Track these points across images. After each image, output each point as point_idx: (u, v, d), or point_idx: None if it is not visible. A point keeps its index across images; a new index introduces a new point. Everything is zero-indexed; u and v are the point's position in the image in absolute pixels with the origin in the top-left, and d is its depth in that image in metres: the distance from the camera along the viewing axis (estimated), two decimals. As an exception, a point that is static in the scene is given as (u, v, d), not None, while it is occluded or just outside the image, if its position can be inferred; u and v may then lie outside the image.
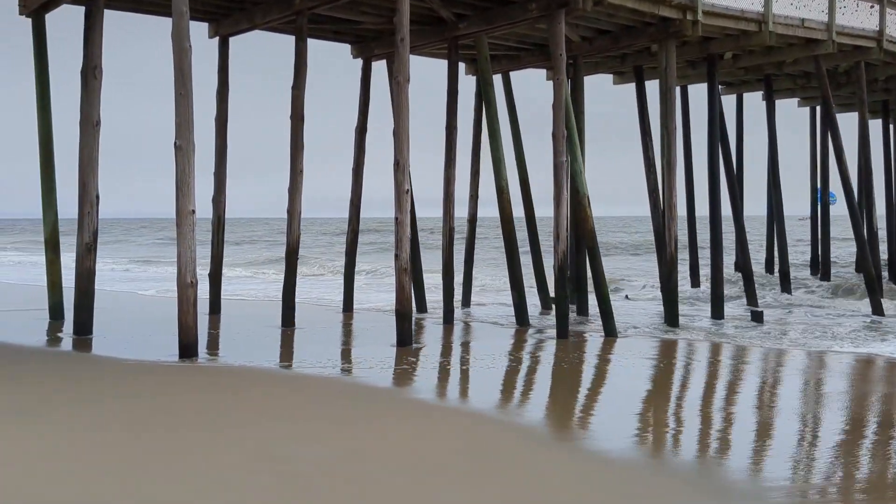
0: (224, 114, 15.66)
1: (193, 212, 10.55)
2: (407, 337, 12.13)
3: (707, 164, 18.01)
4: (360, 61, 17.15)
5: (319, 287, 22.84)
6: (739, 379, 10.44)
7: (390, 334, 12.39)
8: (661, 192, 16.10)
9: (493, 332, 14.40)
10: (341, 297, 17.08)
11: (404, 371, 10.30)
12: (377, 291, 21.43)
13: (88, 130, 12.01)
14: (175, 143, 10.44)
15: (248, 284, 24.02)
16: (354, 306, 17.04)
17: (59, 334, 12.77)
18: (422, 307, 17.02)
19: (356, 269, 17.89)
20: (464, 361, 11.33)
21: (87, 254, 12.15)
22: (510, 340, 13.49)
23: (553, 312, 15.91)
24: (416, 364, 10.80)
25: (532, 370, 10.93)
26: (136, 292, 20.99)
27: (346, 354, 11.62)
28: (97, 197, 12.17)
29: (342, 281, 17.29)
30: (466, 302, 17.95)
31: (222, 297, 15.94)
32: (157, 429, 7.01)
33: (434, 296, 16.91)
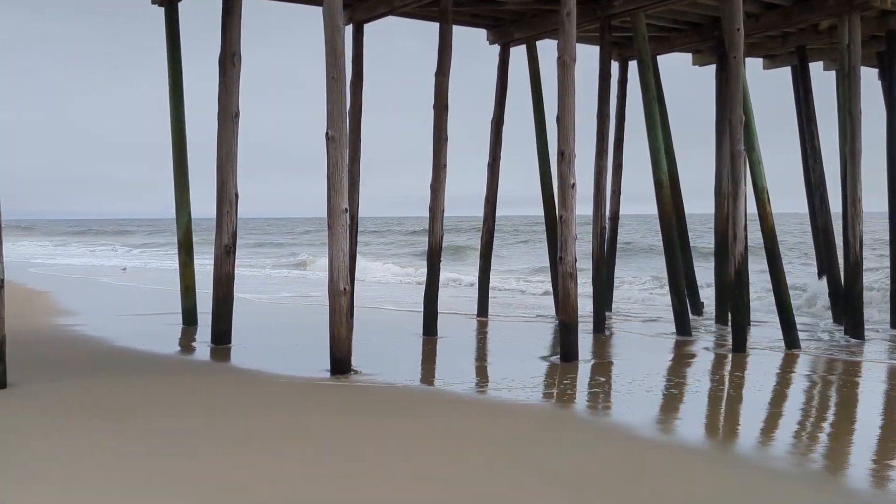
0: (359, 106, 14.41)
1: (346, 210, 9.26)
2: (573, 351, 10.56)
3: (887, 157, 15.66)
4: (496, 48, 15.68)
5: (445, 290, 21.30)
6: None
7: (542, 345, 10.88)
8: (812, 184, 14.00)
9: (655, 344, 12.64)
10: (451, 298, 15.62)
11: (594, 394, 8.71)
12: (499, 293, 19.94)
13: (227, 123, 10.90)
14: (327, 133, 9.17)
15: (382, 290, 22.89)
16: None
17: (194, 343, 11.74)
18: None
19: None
20: (650, 382, 9.64)
21: (225, 257, 11.06)
22: (682, 355, 11.72)
23: (702, 319, 14.27)
24: (604, 385, 9.20)
25: (736, 396, 9.11)
26: (269, 298, 20.09)
27: (510, 371, 10.08)
28: (236, 195, 11.07)
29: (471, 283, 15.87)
30: (607, 306, 16.24)
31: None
32: (337, 462, 5.67)
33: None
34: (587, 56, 14.38)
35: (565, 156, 10.68)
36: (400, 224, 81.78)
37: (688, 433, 7.29)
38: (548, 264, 16.49)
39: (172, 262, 32.07)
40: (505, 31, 15.21)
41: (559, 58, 10.78)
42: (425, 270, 13.37)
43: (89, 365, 9.43)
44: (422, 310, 12.77)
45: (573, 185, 10.70)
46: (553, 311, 16.05)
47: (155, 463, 5.74)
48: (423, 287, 13.03)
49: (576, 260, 10.71)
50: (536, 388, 9.04)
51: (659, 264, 31.22)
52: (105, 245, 56.38)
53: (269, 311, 16.37)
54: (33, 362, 9.11)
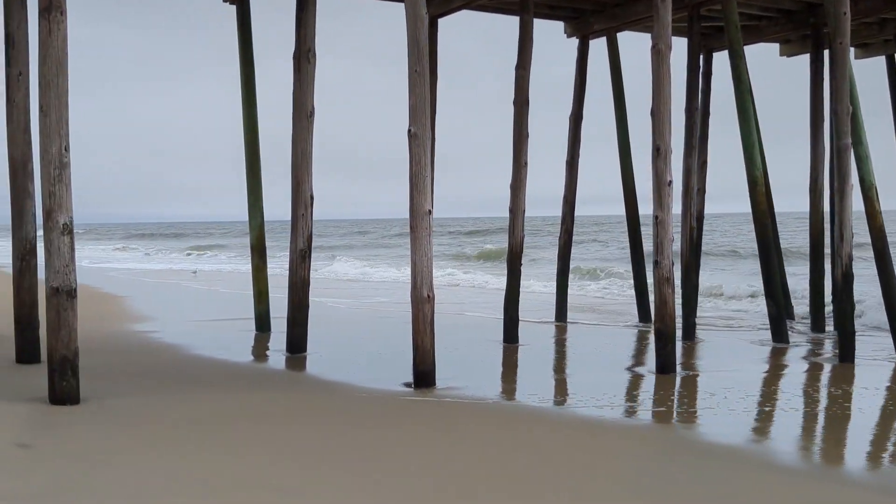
0: (433, 103, 13.79)
1: (430, 212, 8.63)
2: (670, 362, 9.73)
3: None
4: (574, 41, 14.88)
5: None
6: None
7: (629, 354, 10.04)
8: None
9: (753, 353, 11.67)
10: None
11: (705, 411, 7.88)
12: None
13: (302, 122, 10.39)
14: (409, 129, 8.55)
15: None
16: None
17: (269, 351, 11.29)
18: (645, 317, 14.56)
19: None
20: (766, 398, 8.75)
21: (301, 261, 10.54)
22: (784, 365, 10.76)
23: (793, 323, 13.25)
24: (711, 400, 8.35)
25: (869, 414, 8.17)
26: (339, 304, 19.67)
27: (602, 384, 9.29)
28: (311, 197, 10.55)
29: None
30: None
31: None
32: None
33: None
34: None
35: (661, 151, 9.87)
36: (460, 224, 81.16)
37: (834, 461, 6.43)
38: (614, 264, 15.65)
39: (240, 265, 32.20)
40: (584, 23, 14.39)
41: (653, 46, 9.97)
42: (485, 274, 12.68)
43: (166, 376, 9.01)
44: (498, 315, 12.08)
45: (669, 183, 9.88)
46: (634, 316, 15.24)
47: (241, 488, 5.18)
48: (503, 292, 12.35)
49: (672, 264, 9.90)
50: (637, 403, 8.26)
51: (734, 265, 30.04)
52: (171, 248, 55.82)
53: (347, 317, 15.86)
54: (109, 374, 8.72)
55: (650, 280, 11.44)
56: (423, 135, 8.56)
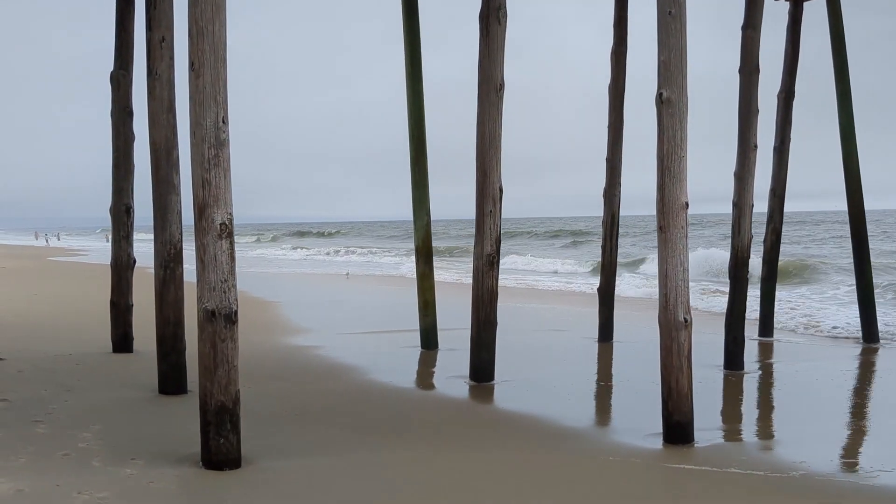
0: (621, 83, 11.38)
1: (687, 205, 6.23)
2: None
3: None
4: (782, 4, 12.07)
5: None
6: None
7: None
8: None
9: None
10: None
11: None
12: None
13: (489, 96, 8.18)
14: (660, 93, 6.17)
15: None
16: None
17: (445, 376, 9.13)
18: (871, 336, 11.61)
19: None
20: None
21: (488, 269, 8.33)
22: None
23: None
24: None
25: None
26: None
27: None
28: (500, 190, 8.34)
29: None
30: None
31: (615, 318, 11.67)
32: None
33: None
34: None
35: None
36: (563, 224, 77.57)
37: None
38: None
39: (392, 268, 30.31)
40: (803, -19, 11.59)
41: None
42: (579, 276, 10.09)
43: (339, 412, 6.97)
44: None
45: None
46: (847, 329, 12.35)
47: None
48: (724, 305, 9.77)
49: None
50: None
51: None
52: (318, 248, 51.39)
53: (528, 327, 13.19)
54: (273, 412, 6.76)
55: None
56: (679, 100, 6.16)
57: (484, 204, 8.36)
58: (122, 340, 9.59)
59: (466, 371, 8.65)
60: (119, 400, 6.96)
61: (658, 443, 6.21)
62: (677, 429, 6.16)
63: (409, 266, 29.55)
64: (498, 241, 8.43)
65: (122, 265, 9.70)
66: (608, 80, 11.43)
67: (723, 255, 20.47)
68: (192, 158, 5.00)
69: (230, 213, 5.04)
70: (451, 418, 7.06)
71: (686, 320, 6.19)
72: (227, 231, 5.00)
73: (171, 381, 7.27)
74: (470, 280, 8.80)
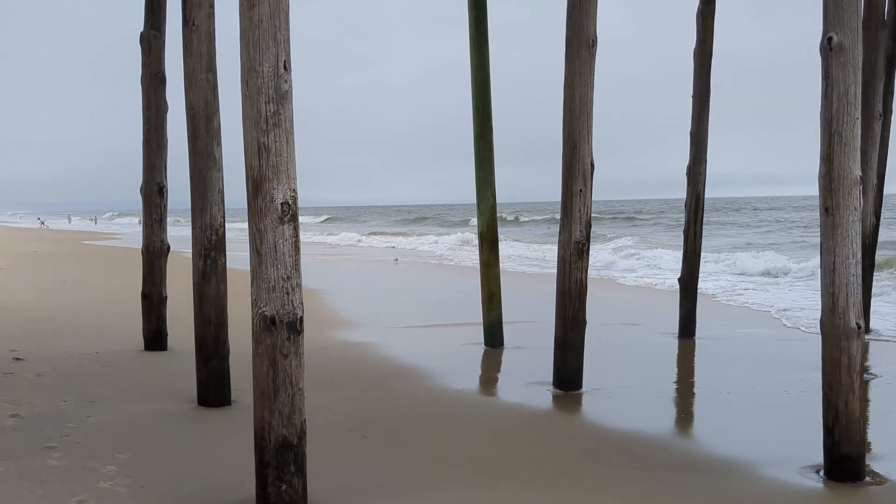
0: (708, 46, 9.96)
1: (861, 180, 4.87)
2: None
3: None
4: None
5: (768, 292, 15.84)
6: None
7: None
8: None
9: None
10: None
11: None
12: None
13: (580, 53, 6.83)
14: (829, 38, 4.81)
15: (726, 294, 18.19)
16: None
17: (519, 379, 7.85)
18: None
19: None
20: None
21: (576, 258, 7.03)
22: None
23: None
24: None
25: None
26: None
27: None
28: (592, 165, 7.02)
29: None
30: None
31: (697, 313, 10.30)
32: None
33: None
34: None
35: None
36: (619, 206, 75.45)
37: None
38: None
39: (440, 255, 28.71)
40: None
41: None
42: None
43: (415, 437, 5.66)
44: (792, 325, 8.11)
45: None
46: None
47: None
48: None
49: None
50: None
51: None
52: (360, 232, 46.14)
53: (610, 319, 11.71)
54: (329, 429, 5.52)
55: None
56: (854, 47, 4.80)
57: (572, 182, 7.03)
58: (155, 337, 8.45)
59: (542, 374, 7.43)
60: (151, 415, 5.78)
61: (817, 479, 4.89)
62: (846, 462, 4.83)
63: (459, 253, 28.31)
64: (588, 226, 7.11)
65: (154, 252, 8.54)
66: (693, 44, 10.06)
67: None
68: (245, 116, 3.74)
69: (294, 190, 3.78)
70: (554, 443, 5.72)
71: (859, 326, 4.85)
72: (290, 213, 3.74)
73: (212, 390, 6.07)
74: (522, 267, 7.50)
